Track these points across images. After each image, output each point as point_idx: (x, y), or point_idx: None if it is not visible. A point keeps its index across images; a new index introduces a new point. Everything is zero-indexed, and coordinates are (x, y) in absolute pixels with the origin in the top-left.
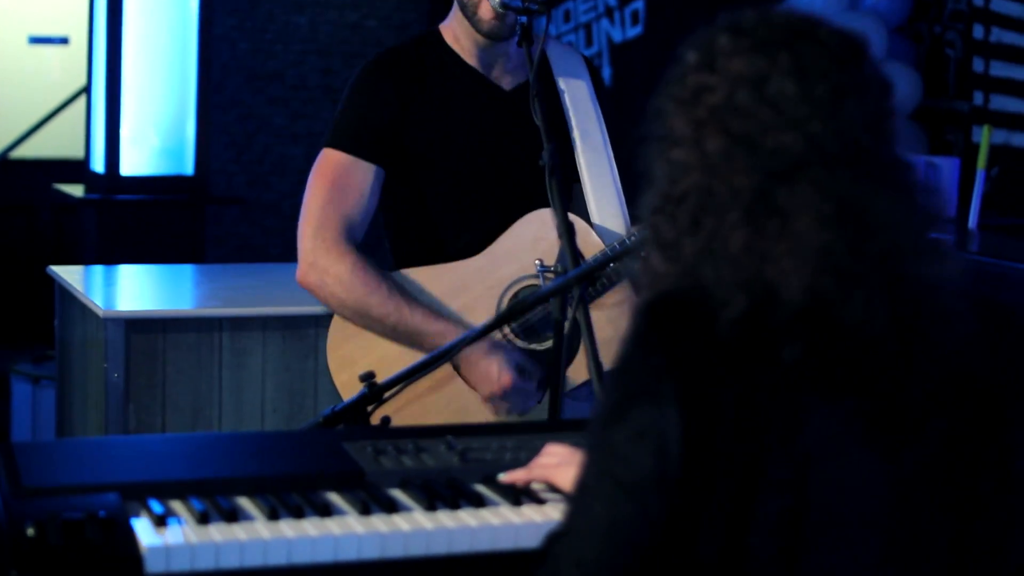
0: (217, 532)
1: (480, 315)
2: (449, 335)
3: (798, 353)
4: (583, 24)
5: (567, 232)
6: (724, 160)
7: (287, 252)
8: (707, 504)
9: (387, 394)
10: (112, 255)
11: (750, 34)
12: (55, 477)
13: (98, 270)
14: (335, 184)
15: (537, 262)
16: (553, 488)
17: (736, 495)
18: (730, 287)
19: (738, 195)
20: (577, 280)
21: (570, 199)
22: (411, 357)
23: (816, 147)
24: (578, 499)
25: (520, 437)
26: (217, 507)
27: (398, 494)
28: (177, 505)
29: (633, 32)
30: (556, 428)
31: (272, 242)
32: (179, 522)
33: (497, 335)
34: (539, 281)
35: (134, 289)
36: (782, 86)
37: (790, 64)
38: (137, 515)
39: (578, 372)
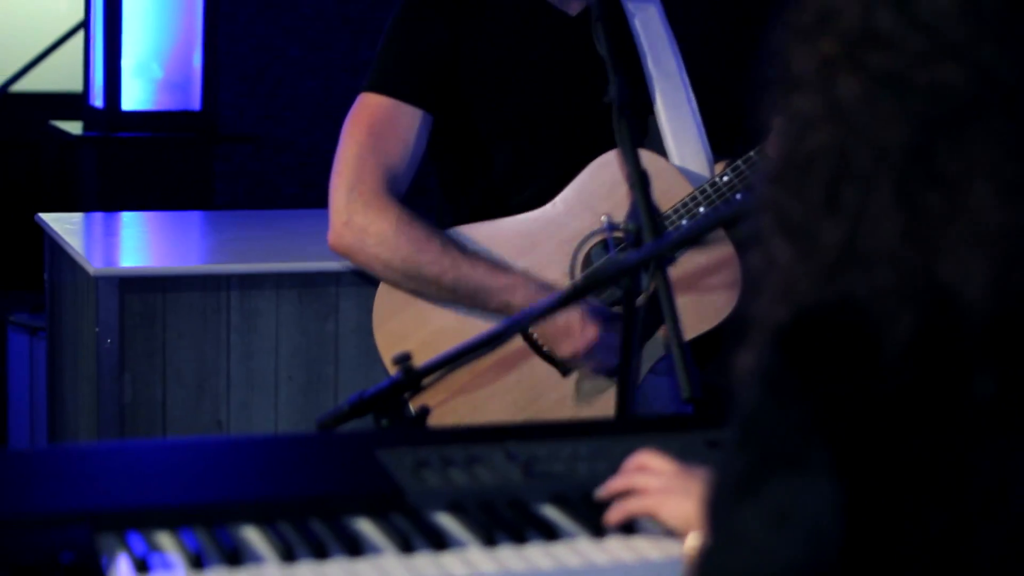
0: None
1: (552, 275)
2: (519, 289)
3: (992, 385)
4: None
5: (640, 183)
6: (862, 108)
7: (304, 192)
8: None
9: (427, 380)
10: (113, 199)
11: None
12: (5, 503)
13: (94, 218)
14: (373, 131)
15: (604, 218)
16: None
17: None
18: (891, 297)
19: (885, 157)
20: (663, 251)
21: (644, 135)
22: (473, 329)
23: (988, 82)
24: None
25: (594, 441)
26: (216, 544)
27: (447, 522)
28: (165, 540)
29: None
30: (635, 429)
31: (287, 181)
32: (166, 567)
33: (565, 283)
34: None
35: (131, 241)
36: (935, 1)
37: None
38: (113, 555)
39: (656, 344)
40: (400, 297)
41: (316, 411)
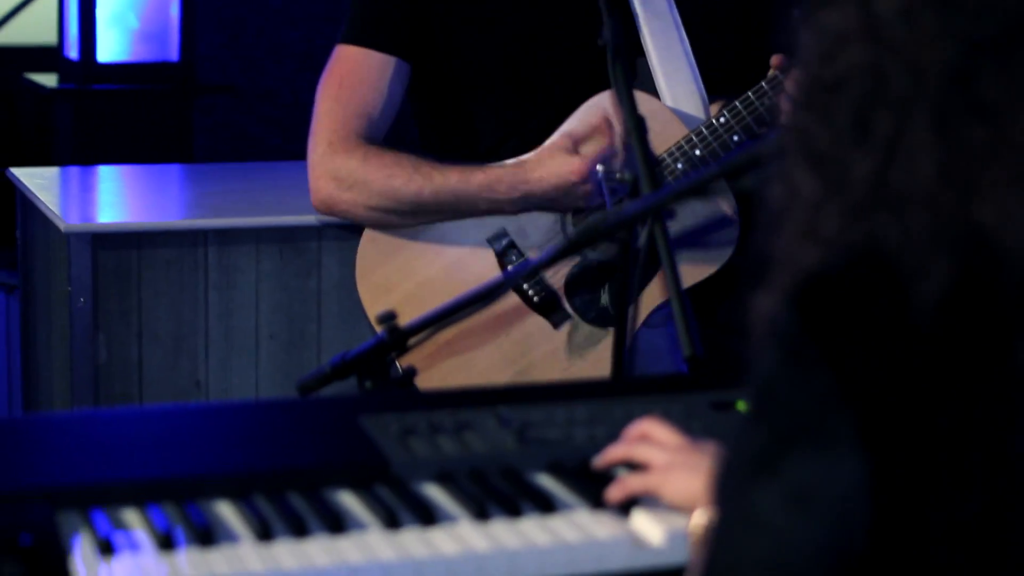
0: (188, 564)
1: (542, 226)
2: (499, 183)
3: None
4: None
5: (636, 130)
6: (901, 24)
7: (285, 144)
8: None
9: (413, 340)
10: (89, 153)
11: None
12: None
13: (68, 173)
14: (344, 83)
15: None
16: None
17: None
18: (924, 243)
19: (923, 81)
20: (663, 203)
21: (635, 77)
22: (460, 280)
23: None
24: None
25: (591, 404)
26: (187, 522)
27: (436, 494)
28: (132, 518)
29: None
30: (635, 391)
31: (269, 133)
32: (133, 547)
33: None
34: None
35: (106, 196)
36: None
37: None
38: (75, 534)
39: (651, 295)
40: (384, 247)
41: (298, 370)
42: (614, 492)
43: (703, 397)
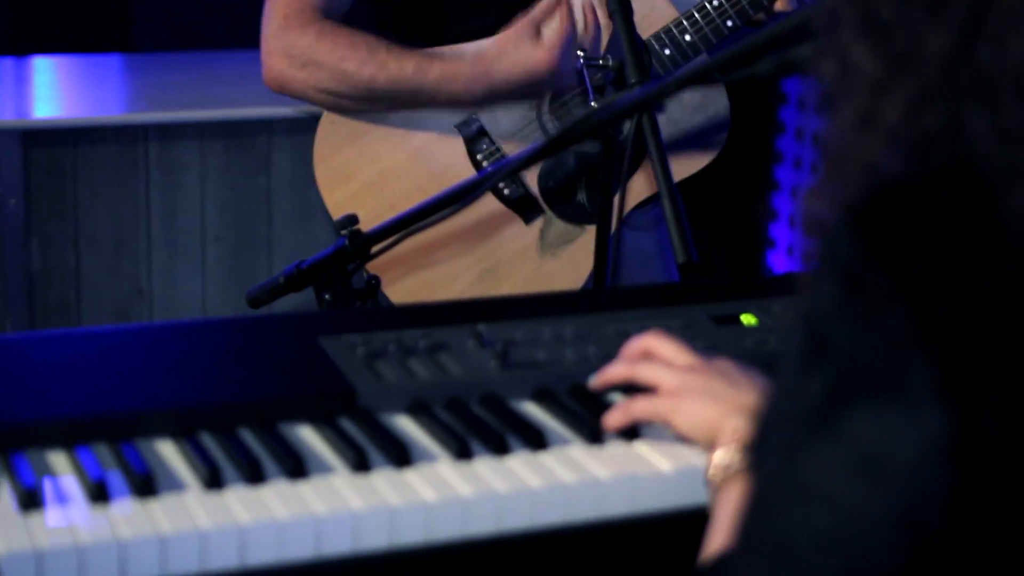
0: (125, 520)
1: (512, 113)
2: (458, 76)
3: None
4: None
5: (621, 9)
6: None
7: (232, 31)
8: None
9: (377, 248)
10: (21, 42)
11: None
12: None
13: None
14: None
15: (580, 55)
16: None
17: None
18: (1017, 141)
19: None
20: (658, 96)
21: None
22: (426, 168)
23: None
24: (744, 552)
25: (580, 319)
26: (126, 468)
27: (409, 428)
28: (60, 462)
29: None
30: (627, 303)
31: (214, 20)
32: (61, 500)
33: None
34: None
35: (39, 89)
36: None
37: None
38: None
39: (633, 193)
40: (345, 130)
41: (248, 276)
42: (614, 417)
43: (702, 309)
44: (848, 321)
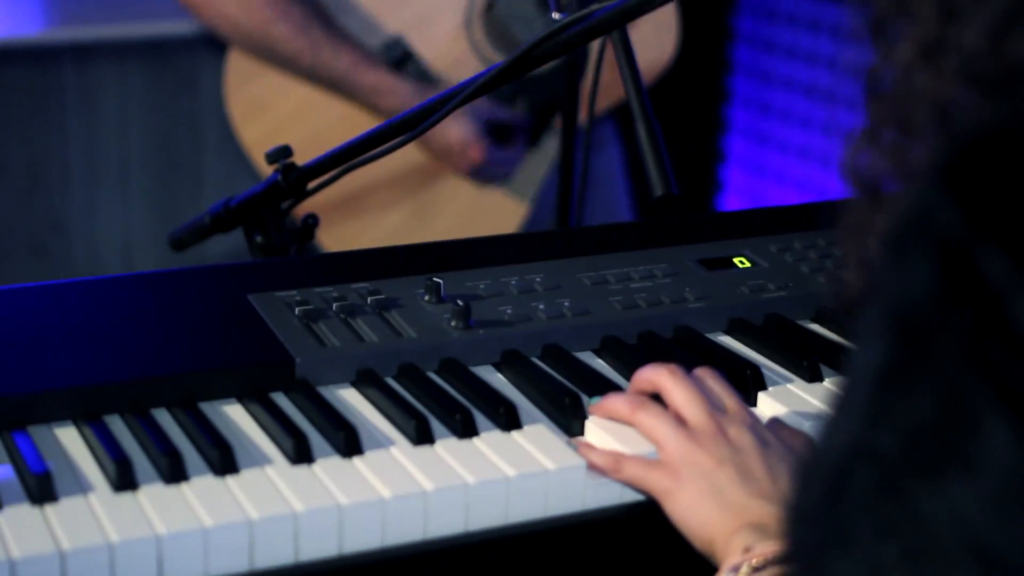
0: (12, 534)
1: (443, 29)
2: (389, 95)
3: None
4: None
5: None
6: None
7: None
8: None
9: (313, 184)
10: None
11: None
12: None
13: None
14: None
15: None
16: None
17: None
18: None
19: None
20: (636, 11)
21: None
22: (345, 101)
23: None
24: None
25: (549, 266)
26: (18, 464)
27: (357, 404)
28: None
29: None
30: (602, 245)
31: None
32: None
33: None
34: None
35: None
36: None
37: None
38: None
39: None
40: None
41: (174, 208)
42: (600, 463)
43: (689, 251)
44: (949, 314)
